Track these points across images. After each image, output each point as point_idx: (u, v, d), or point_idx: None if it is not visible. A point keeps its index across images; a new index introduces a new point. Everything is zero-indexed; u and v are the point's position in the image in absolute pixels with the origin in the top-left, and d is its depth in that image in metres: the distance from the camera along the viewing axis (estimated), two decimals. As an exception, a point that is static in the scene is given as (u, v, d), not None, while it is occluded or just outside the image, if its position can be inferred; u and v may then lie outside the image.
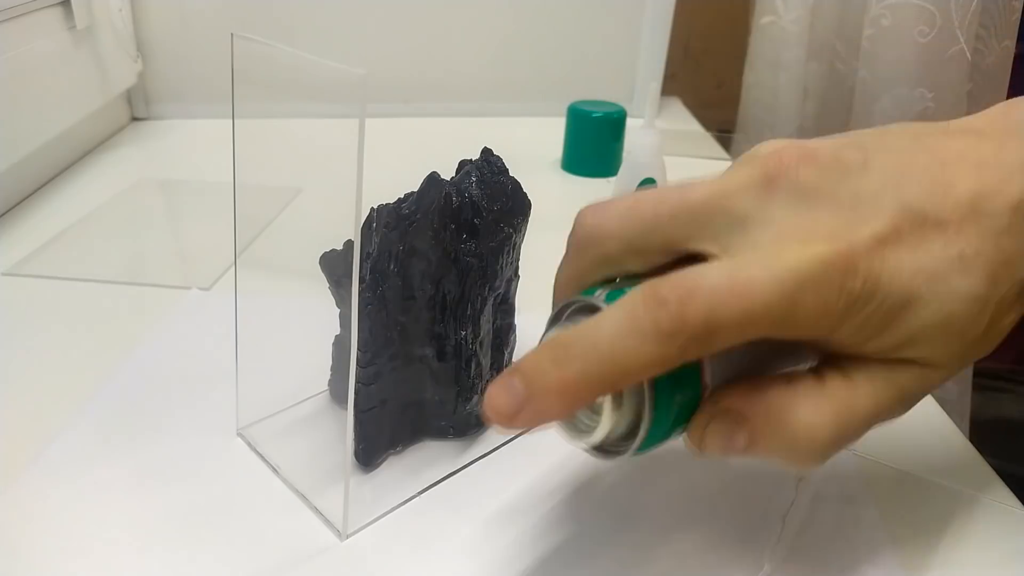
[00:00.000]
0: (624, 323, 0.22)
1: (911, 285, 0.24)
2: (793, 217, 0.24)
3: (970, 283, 0.24)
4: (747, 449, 0.25)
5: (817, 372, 0.25)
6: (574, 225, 0.28)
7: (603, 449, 0.25)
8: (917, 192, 0.24)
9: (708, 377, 0.25)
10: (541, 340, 0.26)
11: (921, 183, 0.24)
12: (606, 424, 0.24)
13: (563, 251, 0.29)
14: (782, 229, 0.24)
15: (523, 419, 0.23)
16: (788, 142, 0.26)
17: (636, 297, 0.23)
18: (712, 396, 0.25)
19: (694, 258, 0.25)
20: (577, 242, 0.27)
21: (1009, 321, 0.26)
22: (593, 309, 0.25)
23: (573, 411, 0.24)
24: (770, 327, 0.23)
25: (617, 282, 0.26)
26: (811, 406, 0.24)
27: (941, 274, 0.24)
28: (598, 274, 0.27)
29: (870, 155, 0.25)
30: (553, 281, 0.29)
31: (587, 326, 0.23)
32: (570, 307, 0.26)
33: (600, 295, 0.25)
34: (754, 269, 0.23)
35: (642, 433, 0.24)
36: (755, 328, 0.23)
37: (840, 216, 0.24)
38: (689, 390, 0.25)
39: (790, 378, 0.25)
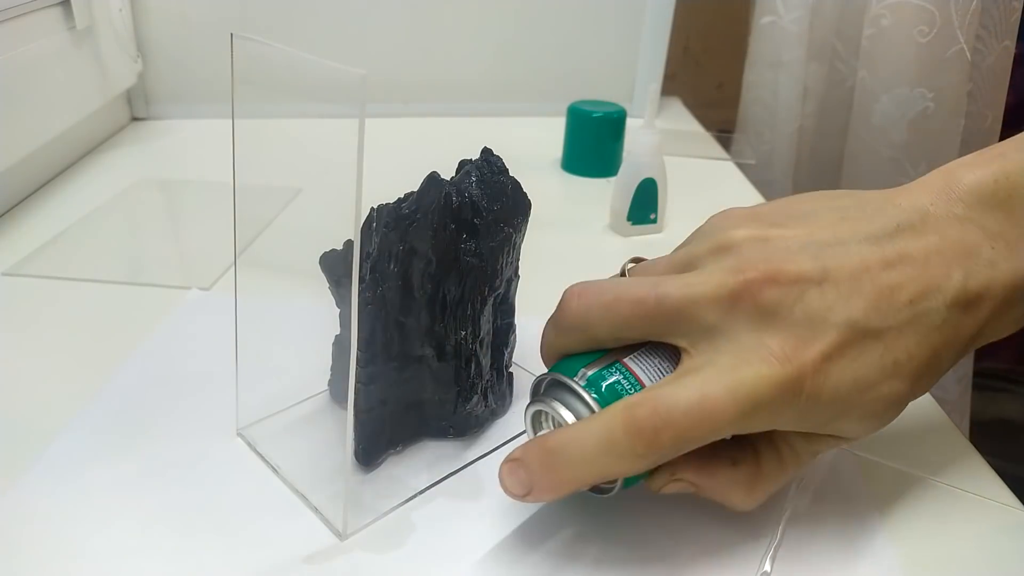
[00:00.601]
0: (604, 444, 0.28)
1: (848, 395, 0.28)
2: (753, 335, 0.28)
3: (896, 387, 0.29)
4: (695, 497, 0.31)
5: (755, 450, 0.31)
6: (560, 304, 0.32)
7: (594, 489, 0.31)
8: (863, 307, 0.28)
9: None
10: (527, 410, 0.32)
11: (868, 296, 0.28)
12: None
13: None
14: (743, 346, 0.28)
15: (528, 501, 0.29)
16: (753, 242, 0.30)
17: (616, 421, 0.28)
18: (672, 464, 0.30)
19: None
20: (562, 323, 0.31)
21: (918, 396, 0.30)
22: (571, 389, 0.30)
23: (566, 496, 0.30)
24: (727, 434, 0.29)
25: (593, 361, 0.31)
26: (746, 488, 0.31)
27: (873, 382, 0.28)
28: (579, 349, 0.31)
29: (828, 263, 0.29)
30: (542, 333, 0.33)
31: (571, 439, 0.28)
32: (548, 381, 0.31)
33: (580, 379, 0.30)
34: (718, 391, 0.27)
35: (617, 486, 0.30)
36: (715, 437, 0.28)
37: (793, 336, 0.28)
38: None
39: (734, 460, 0.31)
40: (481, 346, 0.36)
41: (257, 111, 0.30)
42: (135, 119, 0.84)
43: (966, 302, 0.29)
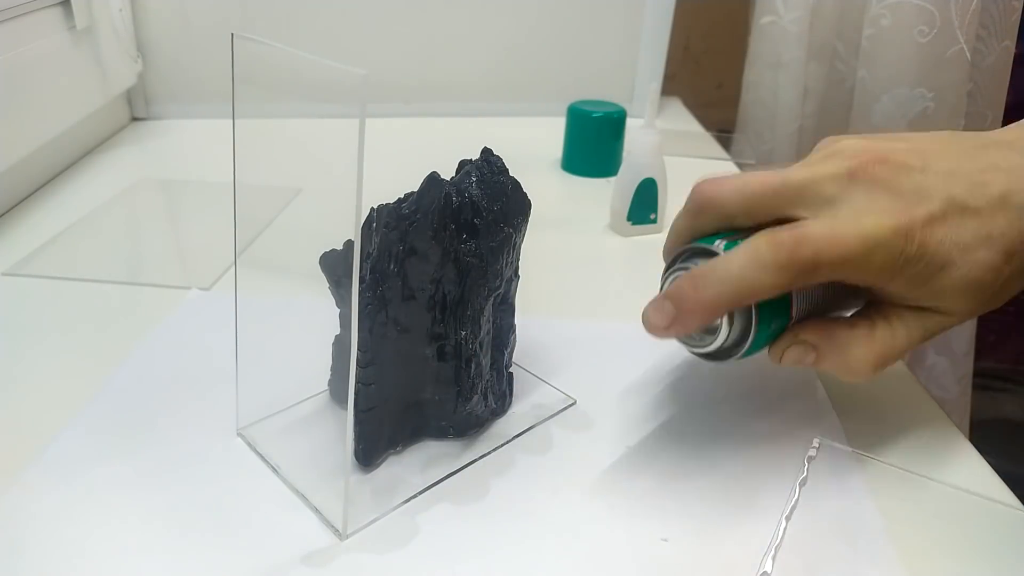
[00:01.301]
0: (750, 259, 0.31)
1: (949, 254, 0.32)
2: (869, 200, 0.32)
3: (991, 256, 0.32)
4: (813, 366, 0.35)
5: (869, 319, 0.35)
6: (692, 193, 0.36)
7: (713, 356, 0.34)
8: (961, 189, 0.33)
9: (795, 311, 0.34)
10: (663, 278, 0.36)
11: (964, 183, 0.33)
12: (720, 338, 0.33)
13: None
14: (861, 207, 0.32)
15: (671, 332, 0.33)
16: (864, 145, 0.34)
17: (759, 240, 0.32)
18: (794, 327, 0.35)
19: (786, 220, 0.33)
20: (697, 205, 0.36)
21: (1015, 287, 0.34)
22: (710, 253, 0.34)
23: (707, 324, 0.33)
24: (851, 272, 0.32)
25: (727, 236, 0.34)
26: (863, 347, 0.34)
27: (971, 248, 0.32)
28: (710, 229, 0.35)
29: (928, 160, 0.33)
30: (667, 235, 0.38)
31: (719, 261, 0.32)
32: (687, 252, 0.35)
33: (719, 244, 0.34)
34: (845, 227, 0.32)
35: (747, 346, 0.33)
36: (842, 270, 0.32)
37: (903, 201, 0.32)
38: (782, 319, 0.34)
39: (852, 323, 0.35)
40: (481, 346, 0.36)
41: (257, 111, 0.30)
42: (135, 119, 0.84)
43: None
